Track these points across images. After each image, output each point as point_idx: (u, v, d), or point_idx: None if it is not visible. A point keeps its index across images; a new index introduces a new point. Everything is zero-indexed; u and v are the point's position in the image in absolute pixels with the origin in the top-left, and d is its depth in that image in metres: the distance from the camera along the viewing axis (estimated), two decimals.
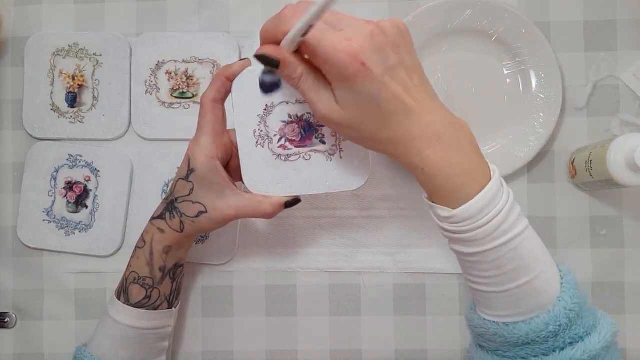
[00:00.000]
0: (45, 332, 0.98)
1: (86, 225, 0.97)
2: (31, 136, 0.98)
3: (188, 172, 0.79)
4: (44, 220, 0.97)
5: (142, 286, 0.83)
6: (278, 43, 0.67)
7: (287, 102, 0.79)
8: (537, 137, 0.92)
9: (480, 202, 0.65)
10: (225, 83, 0.78)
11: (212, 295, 0.97)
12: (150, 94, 0.97)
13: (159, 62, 0.98)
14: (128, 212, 0.98)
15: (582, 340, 0.68)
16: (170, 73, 0.97)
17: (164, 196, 0.94)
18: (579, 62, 0.95)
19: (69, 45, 0.98)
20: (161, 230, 0.82)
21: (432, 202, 0.69)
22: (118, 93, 0.98)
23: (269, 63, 0.68)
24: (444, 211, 0.67)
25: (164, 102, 0.97)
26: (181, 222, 0.81)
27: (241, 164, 0.80)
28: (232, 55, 0.97)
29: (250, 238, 0.97)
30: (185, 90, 0.97)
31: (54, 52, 0.98)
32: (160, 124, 0.98)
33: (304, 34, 0.62)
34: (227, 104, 0.80)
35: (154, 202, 0.89)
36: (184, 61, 0.98)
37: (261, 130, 0.79)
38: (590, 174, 0.86)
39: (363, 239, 0.96)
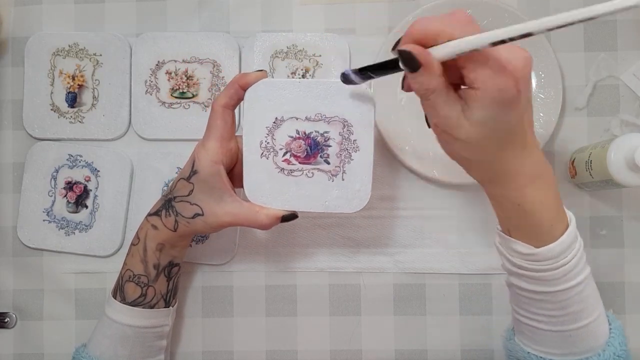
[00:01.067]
0: (45, 332, 0.98)
1: (86, 225, 0.97)
2: (31, 136, 0.98)
3: (191, 173, 0.79)
4: (44, 220, 0.97)
5: (137, 284, 0.83)
6: (425, 46, 0.61)
7: (297, 118, 0.79)
8: (537, 137, 0.92)
9: (562, 244, 0.66)
10: (238, 91, 0.79)
11: (212, 295, 0.97)
12: (150, 94, 0.97)
13: (159, 62, 0.98)
14: (128, 212, 0.98)
15: None
16: (170, 73, 0.97)
17: None
18: (579, 62, 0.95)
19: (69, 45, 0.98)
20: (155, 227, 0.82)
21: (512, 237, 0.69)
22: (118, 93, 0.98)
23: (410, 64, 0.60)
24: (525, 248, 0.68)
25: (164, 102, 0.97)
26: (176, 221, 0.81)
27: (244, 173, 0.80)
28: (232, 55, 0.97)
29: (250, 238, 0.97)
30: (185, 90, 0.97)
31: (54, 52, 0.98)
32: (160, 124, 0.98)
33: (493, 44, 0.58)
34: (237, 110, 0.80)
35: (154, 202, 0.88)
36: (184, 61, 0.98)
37: (267, 142, 0.80)
38: (590, 174, 0.86)
39: (363, 239, 0.96)
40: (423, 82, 0.61)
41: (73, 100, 0.98)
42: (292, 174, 0.80)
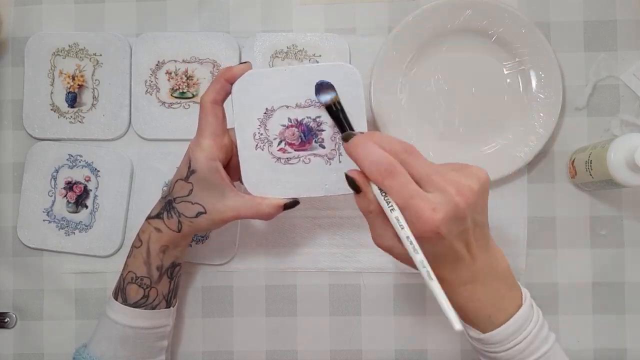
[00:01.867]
0: (45, 332, 0.98)
1: (86, 225, 0.97)
2: (31, 136, 0.98)
3: (188, 173, 0.79)
4: (44, 220, 0.97)
5: (139, 286, 0.83)
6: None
7: (287, 106, 0.80)
8: (537, 137, 0.92)
9: (507, 330, 0.69)
10: (225, 85, 0.79)
11: (212, 295, 0.97)
12: (150, 94, 0.97)
13: (159, 62, 0.97)
14: (128, 212, 0.98)
15: None
16: (170, 73, 0.97)
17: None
18: (579, 62, 0.95)
19: (69, 45, 0.98)
20: (158, 230, 0.82)
21: (465, 322, 0.72)
22: (118, 93, 0.98)
23: (352, 186, 0.69)
24: (474, 332, 0.71)
25: (164, 102, 0.97)
26: (179, 222, 0.81)
27: (241, 166, 0.80)
28: (232, 55, 0.97)
29: (250, 238, 0.97)
30: (185, 90, 0.97)
31: (54, 52, 0.98)
32: (160, 124, 0.97)
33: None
34: (227, 104, 0.80)
35: (154, 202, 0.88)
36: (184, 61, 0.98)
37: (261, 134, 0.80)
38: (590, 174, 0.86)
39: (363, 239, 0.96)
40: (363, 205, 0.68)
41: (73, 100, 0.98)
42: (289, 162, 0.81)
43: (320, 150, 0.80)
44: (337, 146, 0.80)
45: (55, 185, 0.97)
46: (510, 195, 0.95)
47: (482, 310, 0.69)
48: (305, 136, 0.80)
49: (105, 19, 1.00)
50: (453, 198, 0.64)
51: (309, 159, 0.81)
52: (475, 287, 0.69)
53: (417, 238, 0.64)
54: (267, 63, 0.97)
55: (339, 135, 0.79)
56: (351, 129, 0.74)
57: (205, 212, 0.80)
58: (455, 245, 0.66)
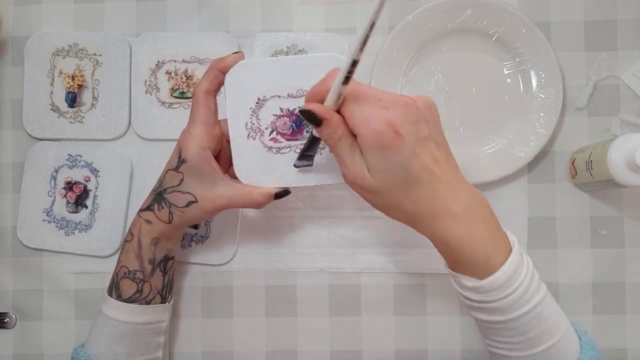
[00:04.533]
0: (45, 332, 0.98)
1: (86, 225, 0.97)
2: (31, 136, 0.98)
3: (179, 162, 0.80)
4: (43, 221, 0.97)
5: (132, 280, 0.83)
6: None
7: (279, 96, 0.80)
8: (537, 137, 0.92)
9: (506, 273, 0.67)
10: (218, 75, 0.79)
11: (212, 295, 0.97)
12: (150, 94, 0.97)
13: (158, 62, 0.97)
14: (128, 212, 0.97)
15: None
16: (170, 73, 0.97)
17: None
18: (579, 62, 0.95)
19: (69, 45, 0.98)
20: (148, 222, 0.82)
21: (455, 272, 0.71)
22: (118, 93, 0.98)
23: (313, 120, 0.68)
24: (470, 281, 0.69)
25: (164, 102, 0.97)
26: (170, 212, 0.81)
27: (233, 155, 0.81)
28: None
29: (250, 238, 0.97)
30: (185, 90, 0.97)
31: (53, 52, 0.98)
32: (160, 124, 0.97)
33: (344, 82, 0.65)
34: (219, 95, 0.81)
35: None
36: (183, 61, 0.97)
37: (253, 123, 0.81)
38: (591, 174, 0.86)
39: (363, 239, 0.96)
40: (329, 133, 0.68)
41: (73, 100, 0.97)
42: (281, 151, 0.81)
43: None
44: None
45: (55, 185, 0.97)
46: (510, 195, 0.95)
47: (480, 251, 0.68)
48: (296, 126, 0.81)
49: (105, 18, 0.99)
50: (400, 98, 0.67)
51: (299, 148, 0.81)
52: (470, 223, 0.68)
53: (377, 145, 0.65)
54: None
55: None
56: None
57: (196, 201, 0.80)
58: (421, 157, 0.66)
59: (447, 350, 0.95)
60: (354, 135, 0.68)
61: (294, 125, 0.81)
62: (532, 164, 0.95)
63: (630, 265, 0.94)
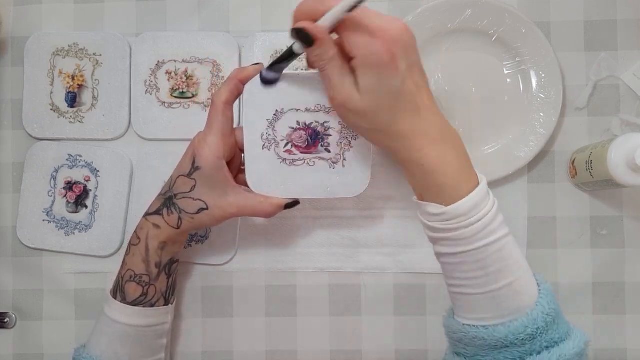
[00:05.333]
0: (45, 332, 0.98)
1: (86, 225, 0.97)
2: (31, 136, 0.98)
3: (192, 169, 0.80)
4: (43, 220, 0.97)
5: (138, 284, 0.83)
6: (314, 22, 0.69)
7: (297, 110, 0.81)
8: (537, 137, 0.92)
9: (471, 201, 0.68)
10: (238, 85, 0.79)
11: (212, 295, 0.97)
12: (150, 94, 0.97)
13: (158, 62, 0.97)
14: (128, 212, 0.97)
15: (558, 345, 0.70)
16: (170, 73, 0.97)
17: None
18: (579, 62, 0.95)
19: (69, 45, 0.98)
20: (157, 226, 0.82)
21: (423, 201, 0.72)
22: (118, 93, 0.98)
23: (305, 39, 0.70)
24: (435, 208, 0.70)
25: (164, 102, 0.97)
26: (180, 218, 0.81)
27: (246, 164, 0.82)
28: (232, 55, 0.97)
29: (250, 238, 0.97)
30: (185, 90, 0.97)
31: (53, 52, 0.98)
32: (160, 124, 0.97)
33: (350, 10, 0.66)
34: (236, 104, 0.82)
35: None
36: (183, 61, 0.97)
37: (269, 134, 0.81)
38: (591, 174, 0.86)
39: (363, 239, 0.96)
40: (320, 54, 0.69)
41: (73, 100, 0.97)
42: (294, 163, 0.82)
43: (325, 154, 0.82)
44: (342, 151, 0.82)
45: (55, 185, 0.97)
46: (510, 195, 0.95)
47: (450, 176, 0.69)
48: (312, 139, 0.82)
49: (105, 18, 0.99)
50: (396, 23, 0.67)
51: (313, 161, 0.82)
52: (445, 148, 0.70)
53: (373, 65, 0.66)
54: (268, 63, 0.96)
55: (344, 141, 0.82)
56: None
57: (207, 209, 0.81)
58: (408, 83, 0.68)
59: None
60: (345, 58, 0.70)
61: (309, 139, 0.82)
62: (532, 164, 0.95)
63: (629, 265, 0.94)
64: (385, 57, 0.65)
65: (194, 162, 0.80)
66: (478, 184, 0.70)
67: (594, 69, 0.94)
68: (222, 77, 0.97)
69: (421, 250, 0.95)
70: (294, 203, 0.83)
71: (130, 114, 0.98)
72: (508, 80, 0.94)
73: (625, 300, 0.95)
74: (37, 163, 0.97)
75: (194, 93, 0.97)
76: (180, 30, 0.99)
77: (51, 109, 0.98)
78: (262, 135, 0.81)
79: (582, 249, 0.95)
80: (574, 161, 0.92)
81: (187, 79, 0.97)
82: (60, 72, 0.98)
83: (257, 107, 0.81)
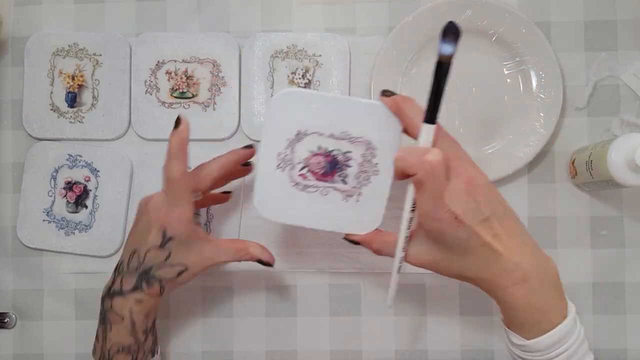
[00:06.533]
0: (45, 332, 0.98)
1: (86, 226, 0.97)
2: (31, 136, 0.98)
3: (164, 240, 0.78)
4: (43, 220, 0.97)
5: (128, 352, 0.81)
6: None
7: (321, 134, 0.76)
8: (537, 137, 0.92)
9: (551, 338, 0.69)
10: (185, 150, 0.79)
11: (212, 295, 0.97)
12: (150, 94, 0.97)
13: (158, 62, 0.97)
14: (128, 212, 0.98)
15: None
16: (170, 73, 0.97)
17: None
18: (579, 62, 0.95)
19: (69, 45, 0.98)
20: (139, 301, 0.80)
21: (508, 328, 0.74)
22: (118, 93, 0.98)
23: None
24: (518, 339, 0.72)
25: (164, 102, 0.97)
26: (161, 286, 0.80)
27: (256, 182, 0.77)
28: (232, 55, 0.97)
29: (251, 238, 0.96)
30: (185, 90, 0.97)
31: (53, 52, 0.98)
32: (160, 124, 0.97)
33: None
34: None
35: None
36: (183, 61, 0.97)
37: (286, 155, 0.76)
38: (591, 174, 0.86)
39: None
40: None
41: (73, 100, 0.97)
42: (307, 189, 0.77)
43: (341, 186, 0.77)
44: (359, 185, 0.77)
45: (55, 185, 0.97)
46: (510, 195, 0.93)
47: (532, 316, 0.70)
48: (330, 168, 0.77)
49: (105, 18, 0.99)
50: (464, 186, 0.68)
51: (327, 191, 0.77)
52: (528, 288, 0.70)
53: (437, 230, 0.69)
54: (267, 63, 0.96)
55: (364, 175, 0.77)
56: (436, 106, 0.69)
57: (187, 269, 0.80)
58: (481, 235, 0.68)
59: (447, 350, 0.96)
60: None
61: (328, 166, 0.76)
62: (532, 164, 0.95)
63: (629, 265, 0.95)
64: (448, 224, 0.68)
65: (164, 234, 0.78)
66: (566, 316, 0.71)
67: (593, 69, 0.95)
68: (222, 77, 0.97)
69: None
70: (267, 264, 0.84)
71: (130, 114, 0.98)
72: (508, 80, 0.94)
73: (625, 300, 0.95)
74: (37, 163, 0.97)
75: (194, 93, 0.97)
76: (180, 30, 0.99)
77: (51, 109, 0.98)
78: (279, 154, 0.76)
79: (582, 249, 0.95)
80: (574, 161, 0.92)
81: (187, 79, 0.97)
82: (60, 72, 0.98)
83: (279, 124, 0.75)
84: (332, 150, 0.76)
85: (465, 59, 0.93)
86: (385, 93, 0.72)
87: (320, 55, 0.97)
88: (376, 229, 0.78)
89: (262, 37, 0.97)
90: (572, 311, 0.72)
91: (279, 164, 0.76)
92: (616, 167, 0.81)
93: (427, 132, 0.68)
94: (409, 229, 0.73)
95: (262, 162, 0.76)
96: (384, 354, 0.96)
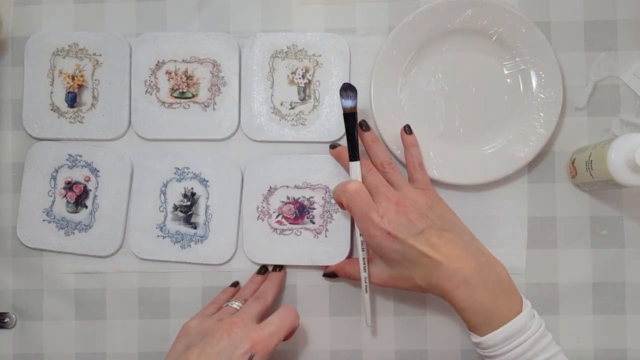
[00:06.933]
0: (45, 332, 0.98)
1: (86, 226, 0.97)
2: (31, 136, 0.98)
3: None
4: (43, 221, 0.97)
5: None
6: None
7: (287, 186, 0.96)
8: (537, 137, 0.92)
9: (503, 333, 0.75)
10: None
11: (213, 295, 0.97)
12: (150, 94, 0.97)
13: (158, 62, 0.98)
14: (128, 212, 0.98)
15: None
16: (170, 73, 0.97)
17: (162, 197, 0.96)
18: (579, 62, 0.95)
19: (69, 45, 0.98)
20: None
21: (468, 330, 0.80)
22: (118, 93, 0.98)
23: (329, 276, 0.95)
24: (474, 338, 0.79)
25: (164, 102, 0.97)
26: None
27: (243, 234, 0.96)
28: (232, 55, 0.97)
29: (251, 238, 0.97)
30: (185, 90, 0.97)
31: (53, 52, 0.98)
32: (160, 124, 0.98)
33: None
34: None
35: (152, 202, 0.95)
36: (183, 61, 0.98)
37: (263, 207, 0.96)
38: (591, 174, 0.86)
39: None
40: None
41: (73, 100, 0.98)
42: (284, 233, 0.96)
43: (310, 225, 0.95)
44: (324, 223, 0.96)
45: (55, 185, 0.97)
46: (510, 195, 0.95)
47: (478, 314, 0.76)
48: (299, 212, 0.96)
49: (105, 19, 1.00)
50: (391, 205, 0.82)
51: (300, 231, 0.95)
52: (471, 290, 0.76)
53: (378, 246, 0.82)
54: (267, 63, 0.97)
55: (327, 214, 0.96)
56: (355, 147, 0.86)
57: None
58: (417, 247, 0.79)
59: (447, 350, 0.96)
60: None
61: (297, 211, 0.95)
62: (532, 164, 0.95)
63: (630, 265, 0.95)
64: (383, 239, 0.81)
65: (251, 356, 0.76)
66: (520, 311, 0.76)
67: (593, 69, 0.95)
68: (222, 77, 0.97)
69: None
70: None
71: (130, 114, 0.98)
72: (508, 80, 0.94)
73: (625, 300, 0.95)
74: (37, 163, 0.97)
75: (194, 93, 0.97)
76: (180, 30, 0.99)
77: (51, 109, 0.98)
78: (258, 207, 0.96)
79: (582, 249, 0.95)
80: (574, 161, 0.92)
81: (187, 79, 0.97)
82: (60, 72, 0.98)
83: (255, 183, 0.96)
84: (298, 198, 0.96)
85: (466, 59, 0.94)
86: (332, 146, 0.94)
87: (320, 55, 0.97)
88: (348, 258, 0.95)
89: (262, 37, 0.97)
90: (527, 307, 0.77)
91: (259, 216, 0.96)
92: (616, 167, 0.81)
93: (354, 168, 0.85)
94: (363, 250, 0.87)
95: (245, 215, 0.96)
96: (384, 354, 0.96)
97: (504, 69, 0.94)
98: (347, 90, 0.86)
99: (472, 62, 0.95)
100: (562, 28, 0.95)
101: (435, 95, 0.95)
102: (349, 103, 0.85)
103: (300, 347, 0.97)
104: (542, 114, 0.93)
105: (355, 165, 0.85)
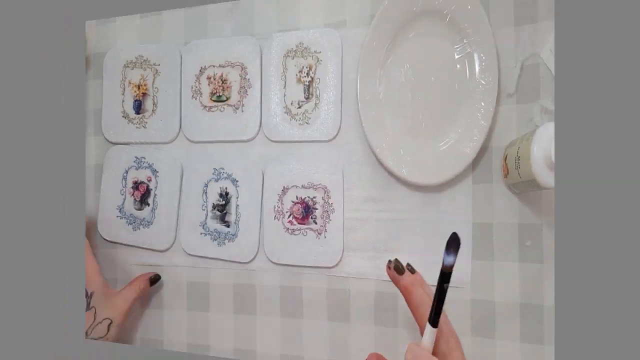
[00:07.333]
0: None
1: (148, 222, 1.20)
2: (108, 141, 1.24)
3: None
4: (117, 216, 1.23)
5: None
6: None
7: (297, 186, 1.06)
8: (479, 130, 0.92)
9: None
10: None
11: (242, 293, 1.11)
12: (195, 99, 1.17)
13: (201, 68, 1.17)
14: (179, 210, 1.18)
15: None
16: (210, 78, 1.16)
17: (204, 197, 1.14)
18: (510, 40, 0.92)
19: (136, 57, 1.23)
20: None
21: None
22: (171, 99, 1.19)
23: None
24: None
25: (205, 106, 1.16)
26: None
27: (264, 233, 1.08)
28: (255, 58, 1.12)
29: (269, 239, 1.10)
30: (221, 94, 1.15)
31: (124, 65, 1.24)
32: (203, 127, 1.16)
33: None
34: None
35: (195, 202, 1.14)
36: (220, 66, 1.15)
37: (278, 207, 1.07)
38: (519, 173, 0.83)
39: (354, 242, 1.04)
40: None
41: (138, 107, 1.22)
42: (294, 233, 1.06)
43: (313, 226, 1.05)
44: (324, 223, 1.03)
45: (125, 185, 1.23)
46: (455, 197, 0.93)
47: None
48: (305, 212, 1.05)
49: (162, 29, 1.21)
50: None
51: (306, 232, 1.05)
52: None
53: None
54: (281, 63, 1.10)
55: (325, 215, 1.03)
56: (439, 312, 0.76)
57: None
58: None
59: None
60: None
61: (303, 211, 1.05)
62: (476, 162, 0.93)
63: (547, 284, 0.87)
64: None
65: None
66: None
67: (520, 47, 0.90)
68: (248, 79, 1.13)
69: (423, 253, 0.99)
70: (155, 278, 1.15)
71: (180, 118, 1.18)
72: (458, 65, 0.95)
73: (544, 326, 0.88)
74: (112, 165, 1.24)
75: (228, 96, 1.14)
76: (217, 36, 1.16)
77: (122, 116, 1.24)
78: (274, 207, 1.07)
79: (512, 262, 0.90)
80: (506, 157, 0.89)
81: (222, 82, 1.15)
82: (130, 82, 1.23)
83: (273, 184, 1.07)
84: (304, 198, 1.06)
85: (427, 46, 0.99)
86: (395, 268, 0.83)
87: (320, 52, 1.08)
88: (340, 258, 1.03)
89: (278, 37, 1.11)
90: None
91: (275, 215, 1.07)
92: (538, 165, 0.78)
93: (430, 335, 0.76)
94: None
95: (266, 215, 1.08)
96: (384, 354, 0.99)
97: (455, 54, 0.96)
98: (452, 244, 0.74)
99: (432, 50, 0.98)
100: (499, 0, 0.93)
101: (404, 86, 0.98)
102: (450, 260, 0.74)
103: (301, 350, 1.06)
104: (482, 103, 0.93)
105: (432, 333, 0.76)
